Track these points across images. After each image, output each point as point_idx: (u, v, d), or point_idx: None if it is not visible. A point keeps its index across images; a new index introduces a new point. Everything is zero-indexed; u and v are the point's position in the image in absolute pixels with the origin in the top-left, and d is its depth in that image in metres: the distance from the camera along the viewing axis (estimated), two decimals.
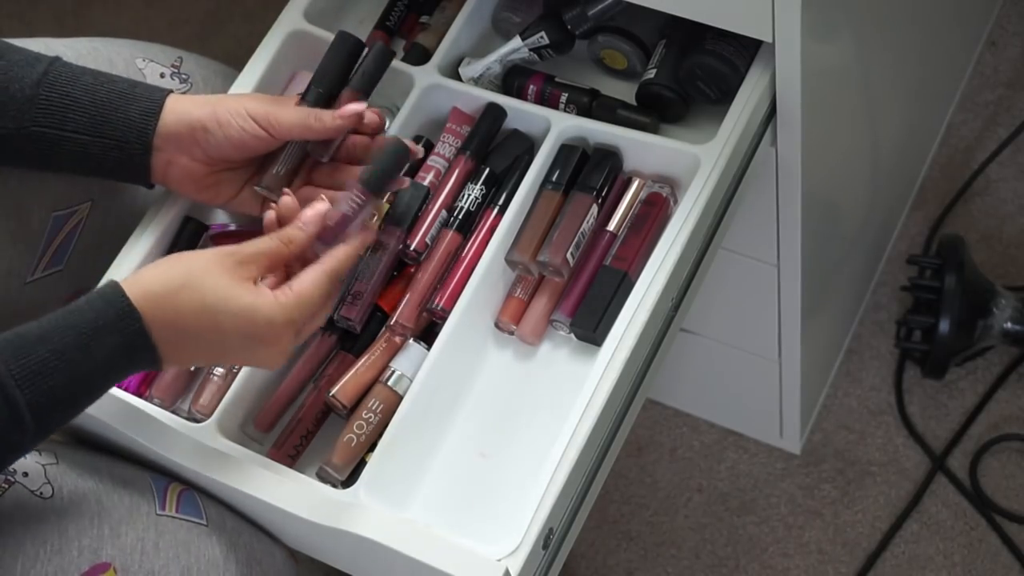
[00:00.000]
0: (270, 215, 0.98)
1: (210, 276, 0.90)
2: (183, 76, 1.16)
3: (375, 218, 1.04)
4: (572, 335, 1.04)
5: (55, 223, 1.08)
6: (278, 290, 0.93)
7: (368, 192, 0.99)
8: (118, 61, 1.13)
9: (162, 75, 1.15)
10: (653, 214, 1.04)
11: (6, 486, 0.94)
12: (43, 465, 0.96)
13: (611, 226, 1.05)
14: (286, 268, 0.96)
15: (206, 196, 1.04)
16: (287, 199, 0.98)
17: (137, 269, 1.06)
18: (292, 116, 1.00)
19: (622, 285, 1.01)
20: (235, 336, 0.91)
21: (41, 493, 0.95)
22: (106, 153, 1.00)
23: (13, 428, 0.84)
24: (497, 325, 1.05)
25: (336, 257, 0.96)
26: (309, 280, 0.94)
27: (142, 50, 1.16)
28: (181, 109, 1.00)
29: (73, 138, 0.99)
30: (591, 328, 1.01)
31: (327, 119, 1.01)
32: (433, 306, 1.04)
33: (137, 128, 0.99)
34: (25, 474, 0.95)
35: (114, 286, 0.88)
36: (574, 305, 1.03)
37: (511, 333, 1.05)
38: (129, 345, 0.88)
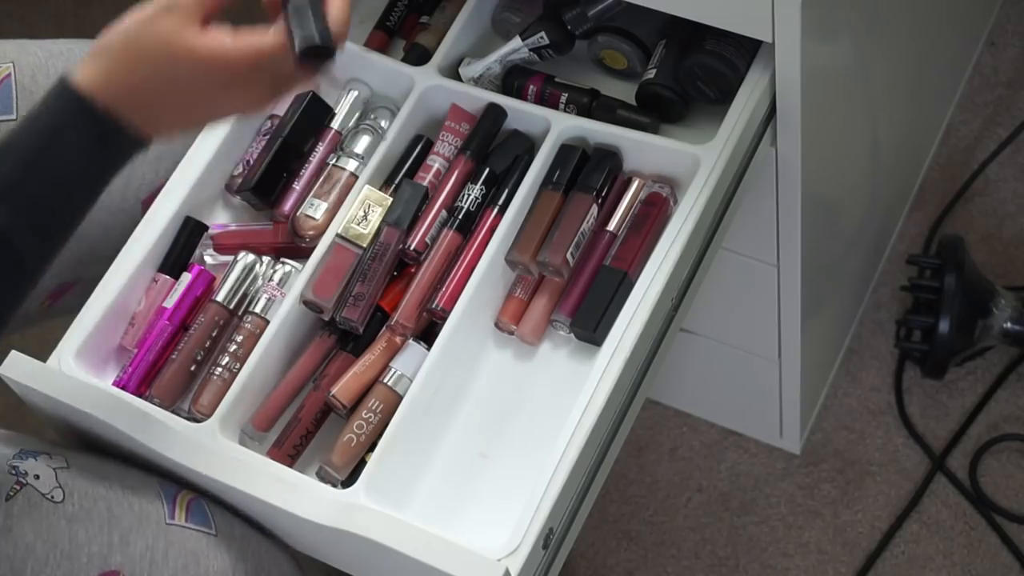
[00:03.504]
0: None
1: (152, 44, 0.83)
2: None
3: None
4: (572, 335, 1.04)
5: None
6: (254, 32, 0.85)
7: None
8: None
9: None
10: (653, 214, 1.04)
11: (18, 487, 0.94)
12: (54, 469, 0.96)
13: (611, 226, 1.05)
14: None
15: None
16: None
17: (138, 269, 1.06)
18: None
19: (622, 285, 1.01)
20: (220, 92, 0.85)
21: (52, 497, 0.94)
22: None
23: (6, 252, 0.81)
24: (497, 325, 1.05)
25: None
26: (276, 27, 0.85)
27: None
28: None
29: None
30: (591, 328, 1.01)
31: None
32: (433, 306, 1.04)
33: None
34: (36, 476, 0.95)
35: (60, 81, 0.82)
36: (574, 305, 1.03)
37: (511, 333, 1.05)
38: (95, 132, 0.83)
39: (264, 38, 0.85)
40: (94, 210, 1.10)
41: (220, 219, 1.12)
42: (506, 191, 1.07)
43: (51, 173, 0.83)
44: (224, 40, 0.84)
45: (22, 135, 0.83)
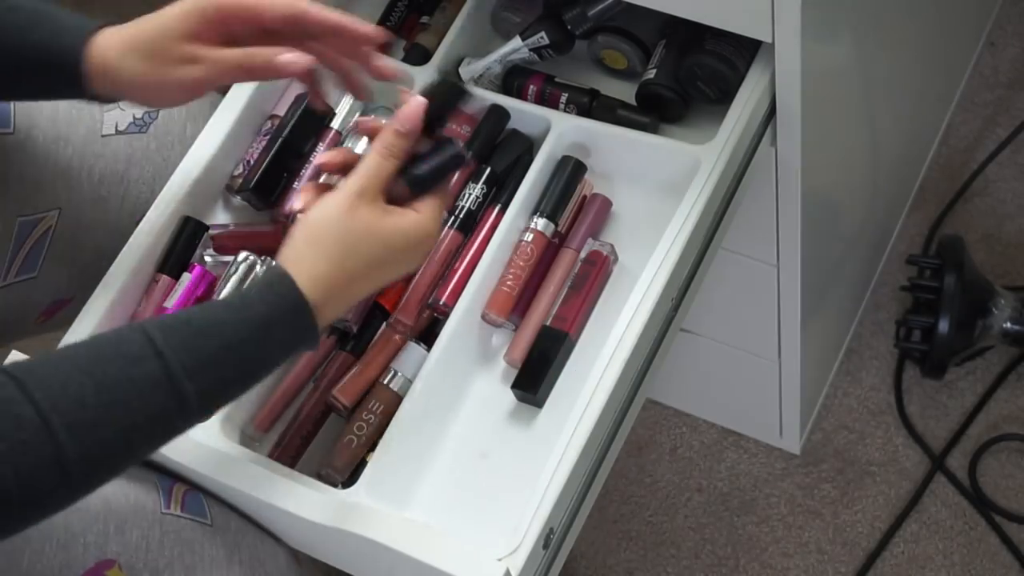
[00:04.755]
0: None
1: (359, 233, 0.89)
2: None
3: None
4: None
5: (21, 228, 1.08)
6: (417, 203, 0.92)
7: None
8: None
9: None
10: (593, 273, 1.04)
11: None
12: None
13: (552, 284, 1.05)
14: None
15: (154, 102, 0.99)
16: (411, 112, 0.93)
17: (138, 269, 1.06)
18: (229, 57, 0.93)
19: (564, 346, 1.01)
20: (399, 264, 0.91)
21: None
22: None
23: (179, 417, 0.83)
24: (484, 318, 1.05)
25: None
26: (434, 187, 0.93)
27: None
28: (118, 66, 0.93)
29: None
30: (533, 391, 1.00)
31: (260, 59, 0.94)
32: (434, 301, 1.04)
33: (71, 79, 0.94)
34: None
35: (284, 278, 0.86)
36: (519, 360, 1.02)
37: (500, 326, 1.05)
38: (299, 337, 0.87)
39: (431, 207, 0.92)
40: (90, 230, 1.11)
41: (220, 219, 1.12)
42: (507, 191, 1.07)
43: (248, 364, 0.85)
44: (408, 215, 0.91)
45: (232, 316, 0.84)
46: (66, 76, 0.93)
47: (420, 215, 0.91)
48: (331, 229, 0.88)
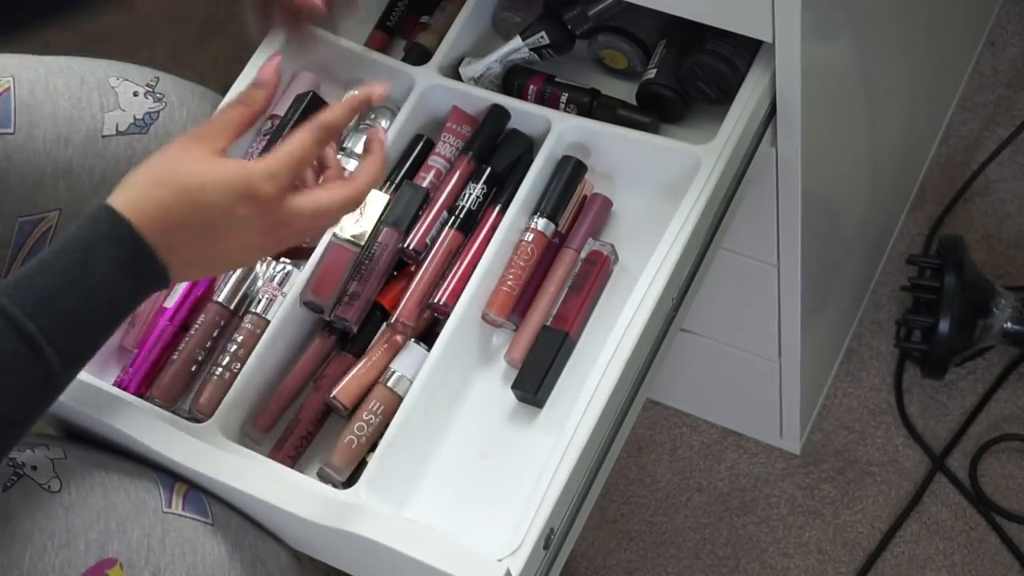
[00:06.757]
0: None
1: (182, 162, 0.89)
2: (158, 95, 1.16)
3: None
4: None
5: (22, 229, 1.08)
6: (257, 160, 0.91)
7: None
8: (90, 79, 1.13)
9: (135, 94, 1.15)
10: (594, 272, 1.04)
11: (15, 479, 0.94)
12: (51, 459, 0.97)
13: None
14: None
15: None
16: (267, 66, 0.98)
17: None
18: None
19: (564, 346, 1.01)
20: (221, 210, 0.89)
21: (49, 487, 0.95)
22: None
23: (37, 362, 0.83)
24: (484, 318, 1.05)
25: (322, 114, 0.94)
26: (289, 139, 0.92)
27: (116, 69, 1.16)
28: None
29: None
30: (533, 391, 1.01)
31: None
32: (435, 301, 1.04)
33: None
34: (34, 467, 0.95)
35: (99, 207, 0.87)
36: (519, 361, 1.02)
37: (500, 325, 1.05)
38: (127, 254, 0.86)
39: (277, 155, 0.91)
40: None
41: None
42: (508, 191, 1.07)
43: (83, 288, 0.85)
44: (242, 161, 0.91)
45: (55, 248, 0.86)
46: None
47: (244, 162, 0.90)
48: (152, 163, 0.90)
